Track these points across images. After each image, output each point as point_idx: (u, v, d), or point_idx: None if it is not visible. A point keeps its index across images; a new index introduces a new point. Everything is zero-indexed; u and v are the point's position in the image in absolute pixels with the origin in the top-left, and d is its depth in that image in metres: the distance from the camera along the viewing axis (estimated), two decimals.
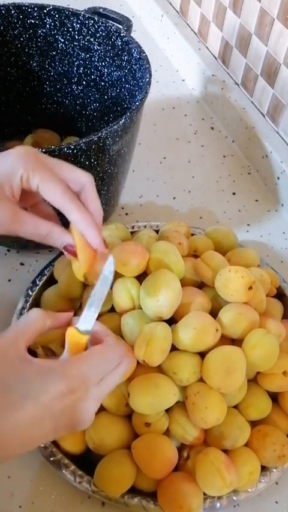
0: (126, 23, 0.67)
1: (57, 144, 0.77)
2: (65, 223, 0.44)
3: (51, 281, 0.61)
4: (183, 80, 1.00)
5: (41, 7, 0.67)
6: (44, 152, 0.49)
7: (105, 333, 0.42)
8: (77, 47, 0.71)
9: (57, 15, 0.68)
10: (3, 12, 0.67)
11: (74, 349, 0.40)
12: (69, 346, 0.40)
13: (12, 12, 0.67)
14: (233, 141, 0.89)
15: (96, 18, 0.67)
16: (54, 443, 0.51)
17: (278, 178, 0.78)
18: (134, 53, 0.64)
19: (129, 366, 0.42)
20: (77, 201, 0.42)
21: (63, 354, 0.41)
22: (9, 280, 0.67)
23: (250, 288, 0.54)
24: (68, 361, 0.38)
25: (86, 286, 0.57)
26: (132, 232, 0.66)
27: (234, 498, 0.49)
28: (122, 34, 0.65)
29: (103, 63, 0.70)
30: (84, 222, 0.42)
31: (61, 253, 0.63)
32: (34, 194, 0.42)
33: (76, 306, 0.60)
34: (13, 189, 0.40)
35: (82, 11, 0.68)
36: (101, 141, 0.53)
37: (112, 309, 0.58)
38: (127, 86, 0.68)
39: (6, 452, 0.35)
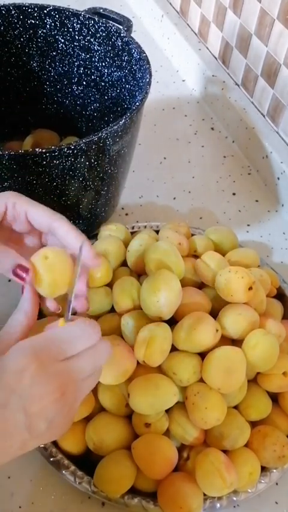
0: (127, 23, 0.67)
1: (57, 144, 0.77)
2: None
3: None
4: (183, 80, 1.00)
5: (41, 7, 0.67)
6: (44, 152, 0.49)
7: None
8: (77, 47, 0.71)
9: (57, 16, 0.68)
10: (4, 12, 0.67)
11: None
12: None
13: (13, 12, 0.67)
14: (233, 142, 0.89)
15: (96, 19, 0.67)
16: (54, 443, 0.51)
17: (278, 178, 0.78)
18: (134, 53, 0.64)
19: (108, 348, 0.39)
20: (64, 219, 0.42)
21: None
22: (9, 280, 0.67)
23: (250, 288, 0.54)
24: (32, 336, 0.37)
25: None
26: (132, 233, 0.66)
27: (234, 498, 0.49)
28: (122, 34, 0.65)
29: (103, 64, 0.70)
30: (74, 233, 0.42)
31: None
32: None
33: None
34: None
35: (82, 12, 0.68)
36: (101, 141, 0.53)
37: (112, 309, 0.58)
38: (127, 86, 0.68)
39: None
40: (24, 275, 0.40)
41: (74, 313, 0.43)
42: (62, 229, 0.41)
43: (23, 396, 0.33)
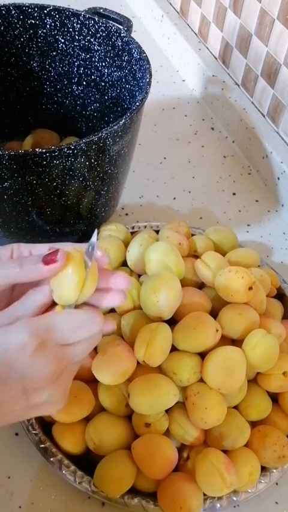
0: (127, 23, 0.67)
1: (57, 144, 0.77)
2: None
3: None
4: (183, 80, 1.00)
5: (42, 7, 0.67)
6: (44, 152, 0.49)
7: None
8: (77, 47, 0.71)
9: (57, 16, 0.68)
10: (4, 12, 0.67)
11: None
12: None
13: (13, 12, 0.67)
14: (233, 142, 0.89)
15: (96, 19, 0.67)
16: (54, 443, 0.51)
17: (278, 178, 0.78)
18: (134, 53, 0.64)
19: (100, 325, 0.38)
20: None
21: None
22: None
23: (250, 288, 0.54)
24: (38, 316, 0.37)
25: None
26: (132, 233, 0.66)
27: (234, 499, 0.49)
28: (122, 34, 0.65)
29: (103, 64, 0.70)
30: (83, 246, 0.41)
31: None
32: None
33: None
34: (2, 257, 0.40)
35: (82, 12, 0.68)
36: (101, 141, 0.53)
37: (112, 309, 0.58)
38: (127, 86, 0.68)
39: None
40: (53, 258, 0.38)
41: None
42: (63, 245, 0.41)
43: (22, 373, 0.34)
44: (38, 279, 0.39)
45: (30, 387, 0.35)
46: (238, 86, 0.89)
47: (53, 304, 0.40)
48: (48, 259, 0.38)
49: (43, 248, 0.40)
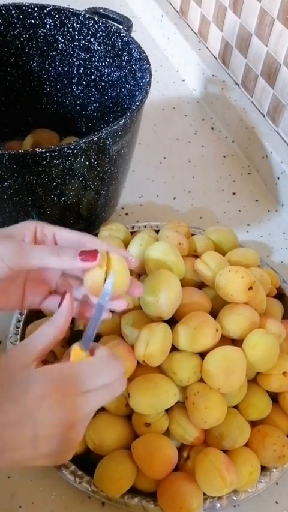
0: (127, 23, 0.67)
1: (57, 144, 0.77)
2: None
3: None
4: (183, 80, 1.00)
5: (41, 7, 0.67)
6: (44, 152, 0.49)
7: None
8: (77, 47, 0.71)
9: (57, 15, 0.68)
10: (3, 12, 0.67)
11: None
12: (72, 362, 0.40)
13: (13, 12, 0.67)
14: (233, 141, 0.89)
15: (96, 19, 0.67)
16: None
17: (278, 178, 0.78)
18: (134, 53, 0.64)
19: (123, 386, 0.40)
20: (92, 235, 0.44)
21: None
22: None
23: (250, 288, 0.54)
24: (61, 364, 0.38)
25: None
26: (132, 232, 0.66)
27: (234, 498, 0.49)
28: (122, 34, 0.65)
29: (103, 63, 0.70)
30: (106, 244, 0.43)
31: None
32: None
33: None
34: (29, 239, 0.42)
35: (82, 11, 0.68)
36: (101, 141, 0.53)
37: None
38: (127, 86, 0.68)
39: None
40: (90, 257, 0.40)
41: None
42: (94, 243, 0.43)
43: (37, 420, 0.35)
44: (69, 269, 0.42)
45: (42, 434, 0.35)
46: (238, 85, 0.89)
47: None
48: (86, 257, 0.40)
49: (67, 234, 0.43)
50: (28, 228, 0.42)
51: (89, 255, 0.40)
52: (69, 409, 0.36)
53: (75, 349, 0.40)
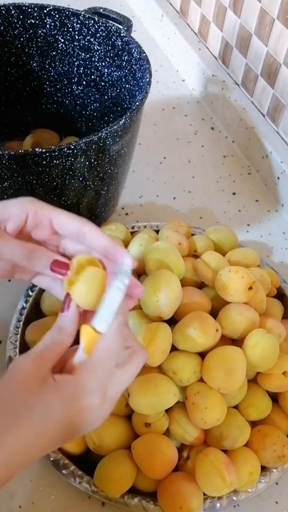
0: (127, 23, 0.67)
1: (57, 144, 0.77)
2: None
3: None
4: (183, 80, 1.00)
5: (41, 7, 0.67)
6: (44, 152, 0.49)
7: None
8: (77, 47, 0.71)
9: (57, 15, 0.68)
10: (3, 12, 0.67)
11: (90, 347, 0.38)
12: (85, 344, 0.38)
13: (12, 12, 0.67)
14: (233, 141, 0.89)
15: (96, 19, 0.67)
16: None
17: (278, 178, 0.78)
18: (134, 53, 0.64)
19: (143, 355, 0.40)
20: (93, 224, 0.41)
21: (77, 354, 0.38)
22: (9, 280, 0.66)
23: (250, 288, 0.54)
24: (81, 375, 0.37)
25: None
26: (132, 232, 0.66)
27: (234, 498, 0.49)
28: (122, 34, 0.65)
29: (103, 63, 0.70)
30: (105, 239, 0.40)
31: None
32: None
33: None
34: (13, 226, 0.40)
35: (82, 11, 0.68)
36: (101, 141, 0.53)
37: None
38: (127, 86, 0.68)
39: (14, 471, 0.33)
40: (63, 270, 0.39)
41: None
42: (94, 234, 0.40)
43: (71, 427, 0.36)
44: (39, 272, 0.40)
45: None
46: (238, 85, 0.89)
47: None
48: (57, 270, 0.39)
49: (65, 220, 0.40)
50: (16, 214, 0.39)
51: (60, 267, 0.39)
52: (108, 405, 0.37)
53: (89, 331, 0.38)
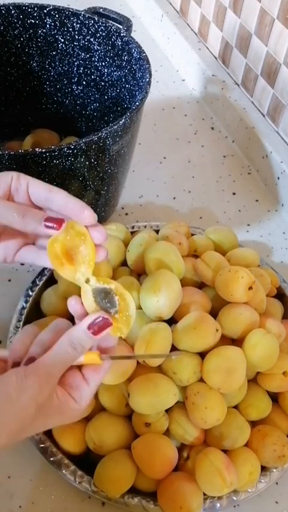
0: (126, 23, 0.67)
1: (57, 144, 0.77)
2: None
3: (51, 281, 0.61)
4: (183, 80, 1.00)
5: (41, 7, 0.67)
6: (44, 152, 0.49)
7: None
8: (77, 47, 0.71)
9: (57, 15, 0.68)
10: (3, 12, 0.67)
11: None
12: (85, 362, 0.40)
13: (12, 12, 0.67)
14: (233, 141, 0.89)
15: (96, 18, 0.67)
16: (54, 443, 0.51)
17: (278, 178, 0.78)
18: (134, 53, 0.64)
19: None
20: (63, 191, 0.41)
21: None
22: (9, 280, 0.67)
23: (250, 288, 0.54)
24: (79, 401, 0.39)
25: None
26: (132, 232, 0.66)
27: (234, 498, 0.49)
28: (122, 34, 0.65)
29: (103, 63, 0.70)
30: (76, 201, 0.39)
31: None
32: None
33: None
34: (3, 190, 0.40)
35: (82, 11, 0.68)
36: (101, 141, 0.53)
37: None
38: (127, 86, 0.68)
39: None
40: (55, 225, 0.38)
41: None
42: (60, 197, 0.40)
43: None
44: (32, 233, 0.40)
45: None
46: (238, 85, 0.89)
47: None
48: (51, 225, 0.38)
49: (38, 186, 0.40)
50: (4, 180, 0.39)
51: (55, 221, 0.38)
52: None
53: (94, 354, 0.39)
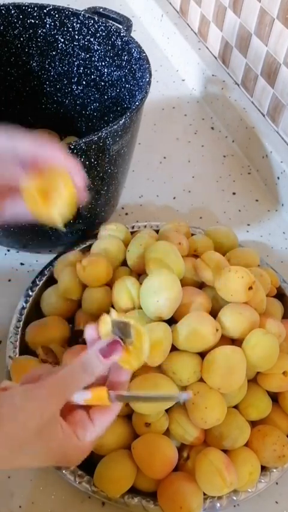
0: (126, 22, 0.67)
1: None
2: None
3: (51, 281, 0.61)
4: (183, 80, 1.00)
5: (41, 7, 0.67)
6: None
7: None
8: (77, 46, 0.71)
9: (57, 15, 0.68)
10: (3, 12, 0.67)
11: (94, 403, 0.40)
12: (92, 398, 0.40)
13: (12, 12, 0.67)
14: (233, 141, 0.89)
15: (96, 18, 0.66)
16: None
17: (278, 178, 0.78)
18: (134, 52, 0.64)
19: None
20: (50, 144, 0.40)
21: (81, 395, 0.40)
22: (9, 280, 0.66)
23: (250, 288, 0.54)
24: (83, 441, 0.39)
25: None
26: (132, 232, 0.66)
27: (234, 498, 0.49)
28: (122, 34, 0.65)
29: (103, 63, 0.70)
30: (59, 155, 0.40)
31: (61, 253, 0.63)
32: None
33: (75, 307, 0.60)
34: None
35: (82, 11, 0.67)
36: (101, 141, 0.53)
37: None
38: (127, 85, 0.68)
39: None
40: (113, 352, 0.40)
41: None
42: (48, 153, 0.40)
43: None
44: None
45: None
46: (238, 85, 0.89)
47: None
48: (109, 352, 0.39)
49: (26, 148, 0.39)
50: None
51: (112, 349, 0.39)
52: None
53: (103, 391, 0.39)
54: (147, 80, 0.59)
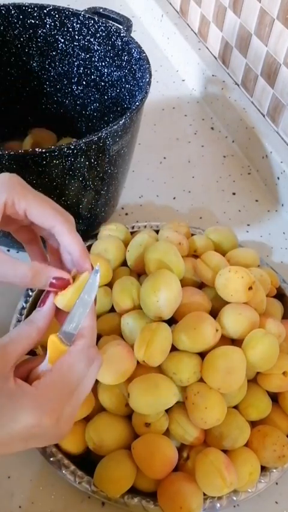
0: (126, 23, 0.67)
1: (53, 144, 0.77)
2: None
3: None
4: (183, 80, 1.00)
5: (41, 7, 0.67)
6: (44, 152, 0.49)
7: (80, 334, 0.38)
8: (77, 47, 0.71)
9: (57, 15, 0.68)
10: (3, 12, 0.67)
11: (55, 356, 0.38)
12: (50, 354, 0.38)
13: (12, 12, 0.67)
14: (233, 141, 0.89)
15: (96, 18, 0.67)
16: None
17: (278, 178, 0.78)
18: (134, 53, 0.64)
19: (99, 365, 0.38)
20: (69, 224, 0.39)
21: (43, 363, 0.38)
22: None
23: (250, 288, 0.54)
24: (40, 388, 0.35)
25: None
26: (132, 232, 0.66)
27: (234, 498, 0.49)
28: (122, 34, 0.65)
29: (103, 63, 0.70)
30: (76, 247, 0.39)
31: None
32: (17, 219, 0.40)
33: None
34: None
35: (82, 11, 0.68)
36: (101, 141, 0.53)
37: (112, 309, 0.58)
38: (127, 86, 0.68)
39: None
40: (60, 286, 0.39)
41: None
42: (64, 238, 0.39)
43: (29, 440, 0.34)
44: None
45: (31, 444, 0.35)
46: (238, 85, 0.89)
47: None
48: (55, 284, 0.39)
49: (39, 213, 0.38)
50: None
51: (61, 283, 0.38)
52: (63, 424, 0.35)
53: (54, 341, 0.37)
54: (147, 80, 0.59)
